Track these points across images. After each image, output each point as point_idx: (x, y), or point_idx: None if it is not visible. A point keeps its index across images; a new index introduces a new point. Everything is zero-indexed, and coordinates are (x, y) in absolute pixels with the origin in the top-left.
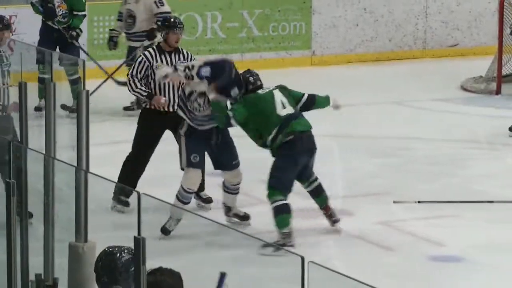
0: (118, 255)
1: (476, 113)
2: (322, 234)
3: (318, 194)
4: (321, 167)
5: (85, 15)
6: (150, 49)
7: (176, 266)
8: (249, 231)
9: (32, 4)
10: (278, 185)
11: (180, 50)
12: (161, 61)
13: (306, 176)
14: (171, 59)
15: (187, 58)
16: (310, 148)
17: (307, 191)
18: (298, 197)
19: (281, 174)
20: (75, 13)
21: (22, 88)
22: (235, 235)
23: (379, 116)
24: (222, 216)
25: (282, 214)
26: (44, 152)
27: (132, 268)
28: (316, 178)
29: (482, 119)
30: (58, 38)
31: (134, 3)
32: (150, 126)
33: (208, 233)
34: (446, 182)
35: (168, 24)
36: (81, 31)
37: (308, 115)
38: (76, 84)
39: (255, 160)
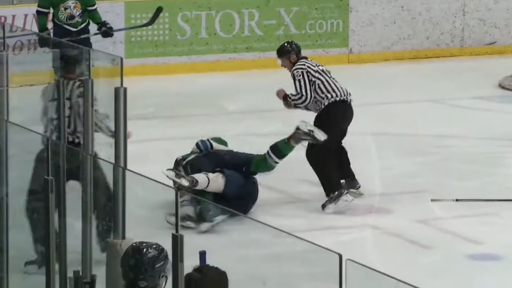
0: (144, 251)
1: None
2: (360, 232)
3: None
4: (358, 165)
5: (96, 7)
6: None
7: (213, 264)
8: (286, 228)
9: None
10: None
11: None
12: None
13: None
14: None
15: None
16: None
17: None
18: None
19: None
20: (89, 9)
21: (60, 85)
22: (272, 233)
23: (416, 114)
24: (258, 214)
25: None
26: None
27: (159, 264)
28: None
29: None
30: (78, 40)
31: None
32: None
33: (244, 230)
34: (484, 180)
35: None
36: (106, 22)
37: None
38: None
39: (293, 160)
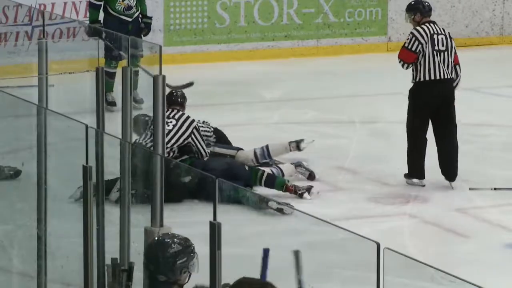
0: (167, 245)
1: None
2: (397, 220)
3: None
4: (397, 154)
5: None
6: None
7: (250, 252)
8: (323, 217)
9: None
10: None
11: None
12: None
13: None
14: None
15: None
16: None
17: None
18: (372, 184)
19: None
20: None
21: (99, 73)
22: (309, 220)
23: (456, 102)
24: (296, 202)
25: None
26: (120, 136)
27: (181, 260)
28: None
29: None
30: (133, 29)
31: None
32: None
33: (281, 218)
34: None
35: None
36: (150, 18)
37: (383, 101)
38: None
39: (331, 147)
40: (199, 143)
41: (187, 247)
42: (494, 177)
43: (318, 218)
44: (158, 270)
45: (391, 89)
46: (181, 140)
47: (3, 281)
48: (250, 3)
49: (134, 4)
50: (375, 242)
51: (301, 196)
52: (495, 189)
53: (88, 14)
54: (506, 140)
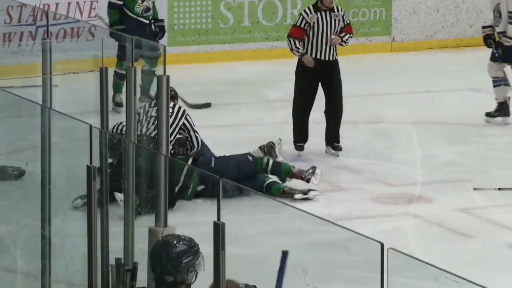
0: (172, 245)
1: None
2: (401, 220)
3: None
4: (400, 154)
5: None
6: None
7: (254, 252)
8: (327, 217)
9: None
10: None
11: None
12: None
13: None
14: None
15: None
16: None
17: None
18: (375, 184)
19: None
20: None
21: (103, 73)
22: (313, 221)
23: (459, 102)
24: (299, 202)
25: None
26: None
27: (186, 260)
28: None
29: None
30: (150, 32)
31: None
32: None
33: (285, 218)
34: None
35: None
36: (162, 21)
37: (387, 101)
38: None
39: None
40: (192, 130)
41: (192, 247)
42: (498, 177)
43: (321, 218)
44: (165, 271)
45: (394, 89)
46: (173, 127)
47: (8, 281)
48: (254, 3)
49: (151, 6)
50: (379, 242)
51: (308, 181)
52: (499, 189)
53: (108, 16)
54: (507, 140)
